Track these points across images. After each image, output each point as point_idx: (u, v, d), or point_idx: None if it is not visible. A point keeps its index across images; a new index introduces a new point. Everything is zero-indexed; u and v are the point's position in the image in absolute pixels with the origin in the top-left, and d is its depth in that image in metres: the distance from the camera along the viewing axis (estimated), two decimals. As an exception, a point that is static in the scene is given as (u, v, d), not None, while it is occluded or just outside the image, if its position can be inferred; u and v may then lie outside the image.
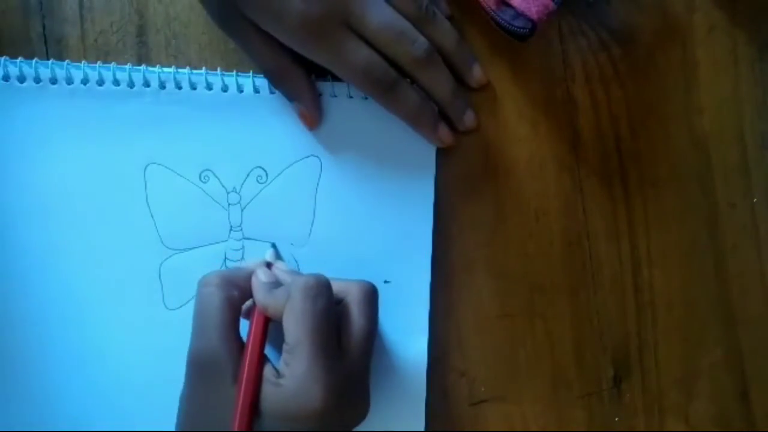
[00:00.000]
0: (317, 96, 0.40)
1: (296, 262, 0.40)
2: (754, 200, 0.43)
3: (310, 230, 0.40)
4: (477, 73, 0.41)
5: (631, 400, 0.43)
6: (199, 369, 0.34)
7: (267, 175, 0.40)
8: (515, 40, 0.39)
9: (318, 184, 0.40)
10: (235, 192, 0.40)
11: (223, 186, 0.40)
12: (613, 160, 0.43)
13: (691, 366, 0.43)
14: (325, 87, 0.40)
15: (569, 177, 0.42)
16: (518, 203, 0.42)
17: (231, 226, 0.40)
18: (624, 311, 0.43)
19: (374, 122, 0.40)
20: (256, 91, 0.40)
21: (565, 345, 0.42)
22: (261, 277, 0.36)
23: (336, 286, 0.36)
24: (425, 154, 0.41)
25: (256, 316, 0.35)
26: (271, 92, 0.40)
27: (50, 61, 0.39)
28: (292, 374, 0.33)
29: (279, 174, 0.40)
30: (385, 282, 0.40)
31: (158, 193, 0.40)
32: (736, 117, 0.43)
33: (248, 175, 0.40)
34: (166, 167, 0.40)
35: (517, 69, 0.42)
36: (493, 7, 0.39)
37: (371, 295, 0.37)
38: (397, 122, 0.40)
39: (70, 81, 0.39)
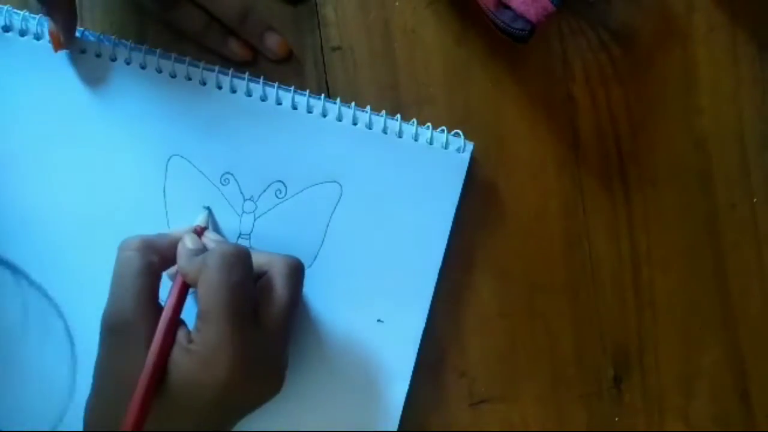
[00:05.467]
0: (73, 20, 0.38)
1: None
2: (754, 200, 0.43)
3: (316, 255, 0.40)
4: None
5: (631, 400, 0.43)
6: (113, 333, 0.34)
7: (286, 190, 0.40)
8: (514, 41, 0.39)
9: (334, 212, 0.40)
10: (252, 201, 0.40)
11: (242, 192, 0.40)
12: (613, 160, 0.43)
13: (691, 366, 0.43)
14: (362, 116, 0.40)
15: (569, 177, 0.42)
16: (518, 203, 0.42)
17: (240, 233, 0.40)
18: (624, 311, 0.43)
19: (403, 162, 0.40)
20: (294, 107, 0.40)
21: (565, 345, 0.42)
22: (187, 243, 0.36)
23: (260, 259, 0.36)
24: (447, 202, 0.40)
25: (176, 280, 0.35)
26: (309, 111, 0.40)
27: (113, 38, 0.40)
28: (203, 341, 0.32)
29: (298, 192, 0.40)
30: (378, 321, 0.40)
31: (177, 185, 0.40)
32: (736, 117, 0.43)
33: (268, 186, 0.40)
34: (189, 162, 0.40)
35: (517, 69, 0.42)
36: (492, 9, 0.39)
37: (296, 270, 0.36)
38: (427, 167, 0.40)
39: (128, 62, 0.40)
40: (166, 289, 0.35)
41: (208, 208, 0.40)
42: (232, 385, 0.32)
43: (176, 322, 0.34)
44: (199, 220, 0.39)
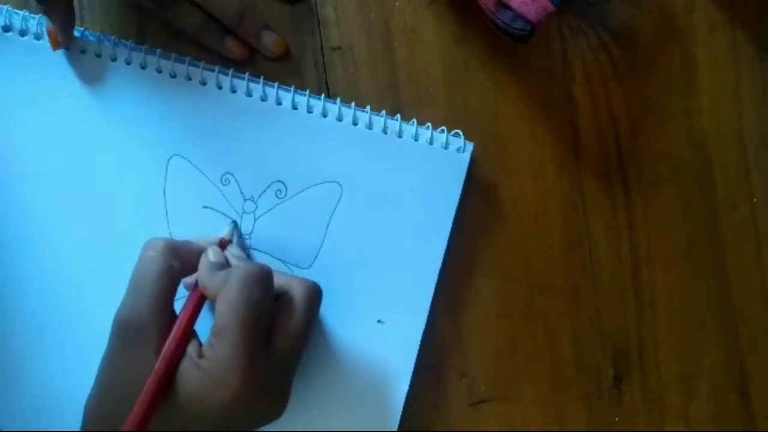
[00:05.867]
0: (71, 19, 0.38)
1: None
2: (754, 200, 0.43)
3: (317, 255, 0.40)
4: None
5: (631, 400, 0.43)
6: (124, 332, 0.33)
7: (286, 190, 0.40)
8: (514, 41, 0.39)
9: (334, 212, 0.40)
10: (252, 201, 0.40)
11: (242, 193, 0.40)
12: (613, 160, 0.43)
13: (691, 366, 0.43)
14: (362, 116, 0.40)
15: (569, 177, 0.42)
16: (518, 203, 0.42)
17: (240, 233, 0.40)
18: (624, 311, 0.43)
19: (403, 163, 0.40)
20: (294, 107, 0.40)
21: (565, 345, 0.42)
22: (210, 256, 0.36)
23: (280, 281, 0.36)
24: (447, 202, 0.40)
25: (194, 291, 0.35)
26: (309, 111, 0.40)
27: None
28: (214, 358, 0.32)
29: (298, 192, 0.40)
30: (378, 322, 0.40)
31: (177, 185, 0.40)
32: (736, 117, 0.43)
33: (268, 187, 0.40)
34: (190, 162, 0.40)
35: (517, 69, 0.42)
36: (492, 9, 0.39)
37: (314, 295, 0.36)
38: (427, 167, 0.40)
39: (128, 62, 0.40)
40: (181, 298, 0.35)
41: (235, 222, 0.40)
42: (237, 407, 0.32)
43: (189, 332, 0.34)
44: (225, 233, 0.39)
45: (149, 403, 0.31)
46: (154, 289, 0.34)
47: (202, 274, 0.35)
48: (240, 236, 0.40)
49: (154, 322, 0.33)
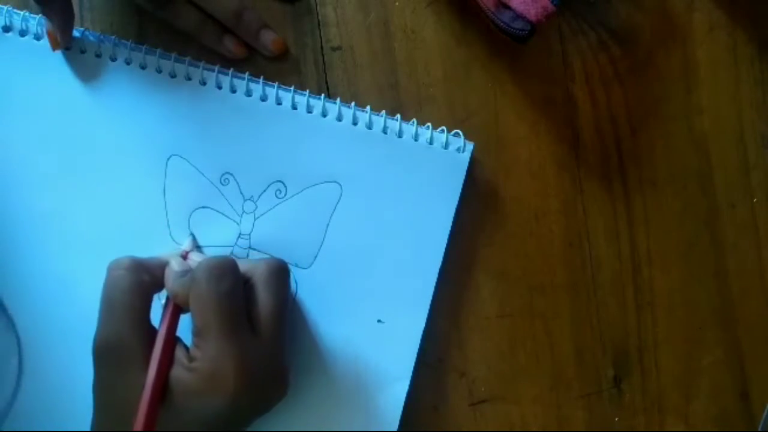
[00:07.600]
0: (70, 20, 0.38)
1: (296, 282, 0.40)
2: (754, 200, 0.43)
3: (317, 254, 0.40)
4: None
5: (631, 400, 0.43)
6: (107, 355, 0.33)
7: (286, 190, 0.40)
8: (514, 41, 0.39)
9: (334, 211, 0.40)
10: (252, 201, 0.40)
11: (242, 193, 0.40)
12: (613, 160, 0.43)
13: (691, 366, 0.43)
14: (362, 116, 0.40)
15: (569, 177, 0.42)
16: (518, 203, 0.42)
17: (240, 233, 0.40)
18: (624, 311, 0.43)
19: (403, 162, 0.40)
20: (294, 107, 0.40)
21: (565, 345, 0.42)
22: (173, 266, 0.36)
23: (243, 267, 0.36)
24: (447, 202, 0.40)
25: (167, 304, 0.35)
26: (308, 111, 0.40)
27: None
28: (204, 356, 0.32)
29: (298, 192, 0.40)
30: (378, 321, 0.40)
31: (176, 185, 0.40)
32: (736, 117, 0.43)
33: (268, 186, 0.40)
34: (189, 162, 0.40)
35: (517, 69, 0.42)
36: (492, 9, 0.39)
37: (278, 272, 0.36)
38: (427, 167, 0.40)
39: (128, 62, 0.40)
40: (158, 317, 0.35)
41: (192, 234, 0.40)
42: (241, 394, 0.32)
43: (173, 339, 0.34)
44: (185, 245, 0.39)
45: (147, 416, 0.31)
46: (129, 306, 0.34)
47: (169, 283, 0.35)
48: (198, 248, 0.40)
49: (135, 338, 0.33)
